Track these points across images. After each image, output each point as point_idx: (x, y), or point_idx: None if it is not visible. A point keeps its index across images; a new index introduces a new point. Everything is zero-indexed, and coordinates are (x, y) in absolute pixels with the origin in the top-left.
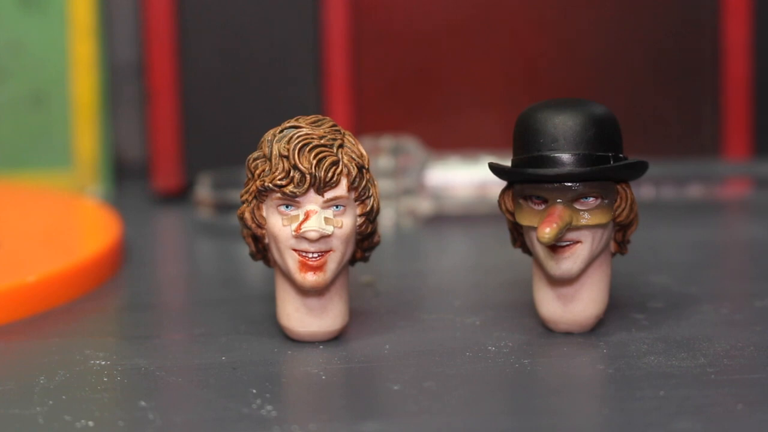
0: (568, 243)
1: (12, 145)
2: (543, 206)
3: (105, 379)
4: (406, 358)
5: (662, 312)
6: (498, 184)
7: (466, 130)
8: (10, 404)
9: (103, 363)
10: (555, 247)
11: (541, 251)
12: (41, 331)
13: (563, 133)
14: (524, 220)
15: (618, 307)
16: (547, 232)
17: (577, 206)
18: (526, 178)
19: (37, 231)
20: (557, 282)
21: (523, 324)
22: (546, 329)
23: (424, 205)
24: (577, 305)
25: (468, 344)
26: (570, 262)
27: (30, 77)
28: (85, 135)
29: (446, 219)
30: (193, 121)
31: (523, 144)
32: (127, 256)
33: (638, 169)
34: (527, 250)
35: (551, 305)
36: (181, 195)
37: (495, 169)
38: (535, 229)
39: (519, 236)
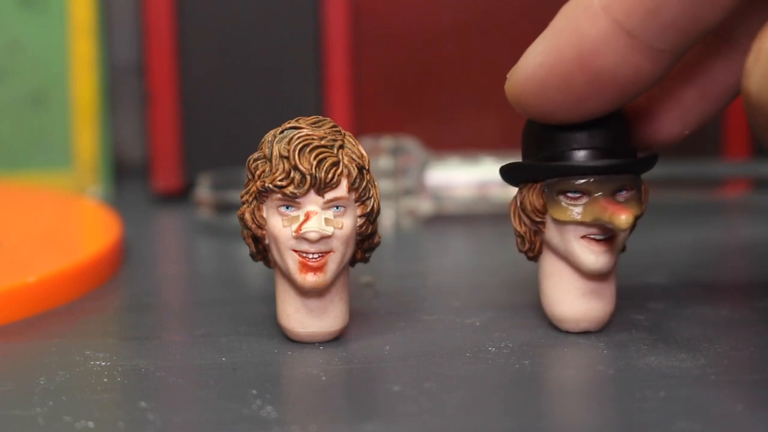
0: (607, 236)
1: (12, 145)
2: (582, 200)
3: (105, 380)
4: (407, 359)
5: (662, 312)
6: (498, 185)
7: (466, 130)
8: (10, 405)
9: (103, 364)
10: (595, 240)
11: (577, 246)
12: (41, 331)
13: (590, 127)
14: (562, 215)
15: (618, 308)
16: (624, 218)
17: (617, 198)
18: (577, 171)
19: (37, 231)
20: (589, 277)
21: (524, 324)
22: (547, 330)
23: (424, 205)
24: (600, 301)
25: (468, 345)
26: (609, 256)
27: (30, 77)
28: (85, 135)
29: (446, 219)
30: (193, 121)
31: (544, 141)
32: (127, 256)
33: (654, 162)
34: (535, 255)
35: (575, 303)
36: (181, 195)
37: (529, 167)
38: (573, 224)
39: (535, 238)
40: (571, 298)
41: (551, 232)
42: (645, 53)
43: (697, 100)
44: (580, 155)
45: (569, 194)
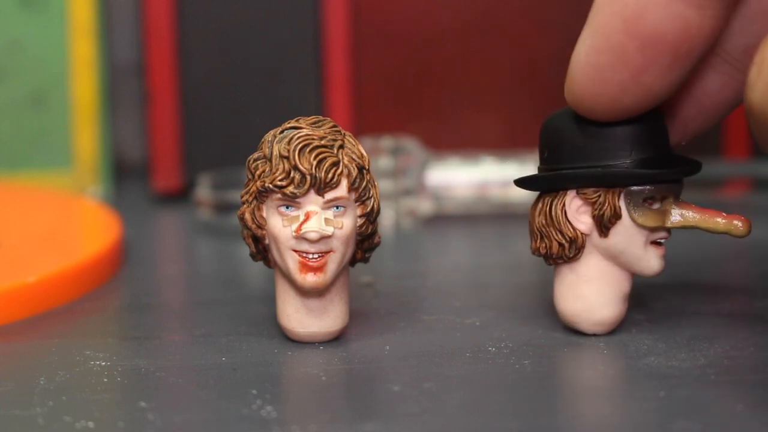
0: (665, 240)
1: (12, 145)
2: (655, 205)
3: (105, 380)
4: (406, 359)
5: (662, 312)
6: (498, 185)
7: (466, 130)
8: (10, 405)
9: (103, 364)
10: (659, 244)
11: (648, 251)
12: (41, 331)
13: (653, 133)
14: (650, 221)
15: None
16: (742, 225)
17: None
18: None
19: (37, 231)
20: (630, 281)
21: (524, 324)
22: (547, 330)
23: (424, 205)
24: (626, 304)
25: (468, 345)
26: (664, 258)
27: (30, 77)
28: (85, 135)
29: (446, 219)
30: (193, 121)
31: (609, 149)
32: (127, 256)
33: None
34: (558, 260)
35: (618, 306)
36: (181, 195)
37: (644, 175)
38: (654, 229)
39: (584, 242)
40: (616, 301)
41: (618, 237)
42: (689, 2)
43: (694, 113)
44: (669, 161)
45: (648, 200)
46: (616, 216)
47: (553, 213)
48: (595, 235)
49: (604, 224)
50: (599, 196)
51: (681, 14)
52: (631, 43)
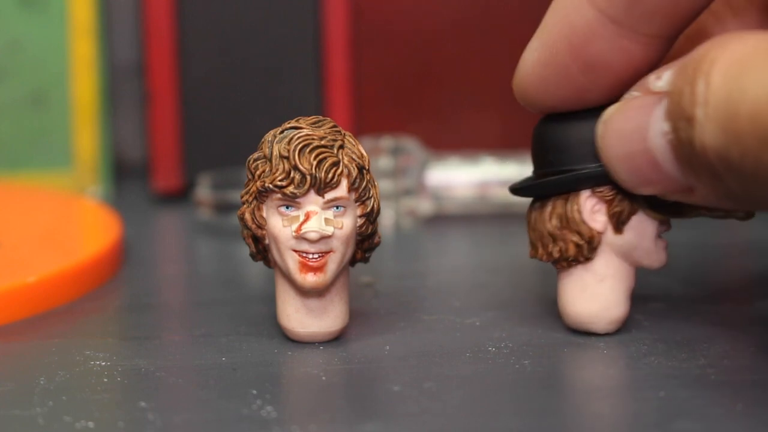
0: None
1: (12, 145)
2: None
3: (105, 380)
4: (406, 359)
5: (662, 312)
6: (498, 184)
7: (466, 130)
8: (10, 405)
9: (103, 364)
10: (662, 238)
11: (656, 245)
12: (41, 331)
13: None
14: (662, 212)
15: None
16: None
17: None
18: None
19: (37, 231)
20: (634, 278)
21: (524, 324)
22: (547, 330)
23: (424, 205)
24: (629, 302)
25: (468, 345)
26: (667, 251)
27: (30, 77)
28: (85, 135)
29: (446, 219)
30: (193, 121)
31: None
32: (127, 256)
33: None
34: (572, 262)
35: (626, 304)
36: (181, 195)
37: None
38: (663, 221)
39: (598, 243)
40: (624, 299)
41: (631, 233)
42: (634, 39)
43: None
44: None
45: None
46: (633, 211)
47: (568, 215)
48: (609, 233)
49: (621, 221)
50: (615, 193)
51: (626, 48)
52: (575, 66)
